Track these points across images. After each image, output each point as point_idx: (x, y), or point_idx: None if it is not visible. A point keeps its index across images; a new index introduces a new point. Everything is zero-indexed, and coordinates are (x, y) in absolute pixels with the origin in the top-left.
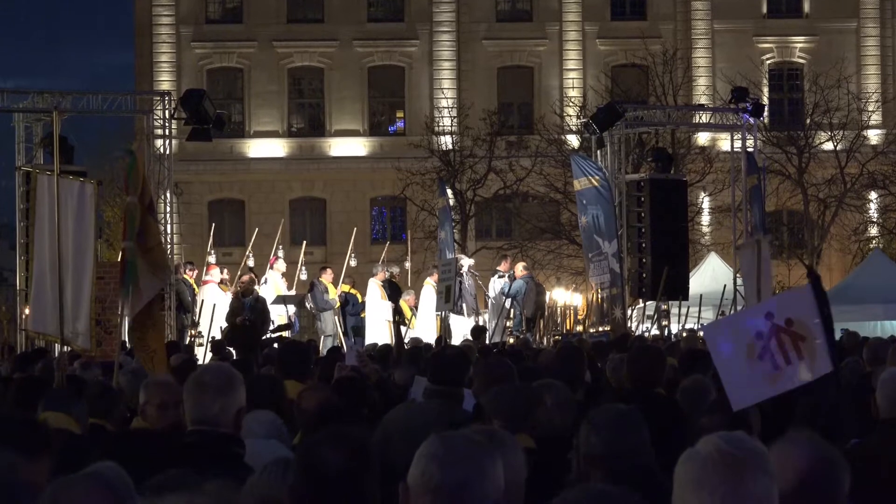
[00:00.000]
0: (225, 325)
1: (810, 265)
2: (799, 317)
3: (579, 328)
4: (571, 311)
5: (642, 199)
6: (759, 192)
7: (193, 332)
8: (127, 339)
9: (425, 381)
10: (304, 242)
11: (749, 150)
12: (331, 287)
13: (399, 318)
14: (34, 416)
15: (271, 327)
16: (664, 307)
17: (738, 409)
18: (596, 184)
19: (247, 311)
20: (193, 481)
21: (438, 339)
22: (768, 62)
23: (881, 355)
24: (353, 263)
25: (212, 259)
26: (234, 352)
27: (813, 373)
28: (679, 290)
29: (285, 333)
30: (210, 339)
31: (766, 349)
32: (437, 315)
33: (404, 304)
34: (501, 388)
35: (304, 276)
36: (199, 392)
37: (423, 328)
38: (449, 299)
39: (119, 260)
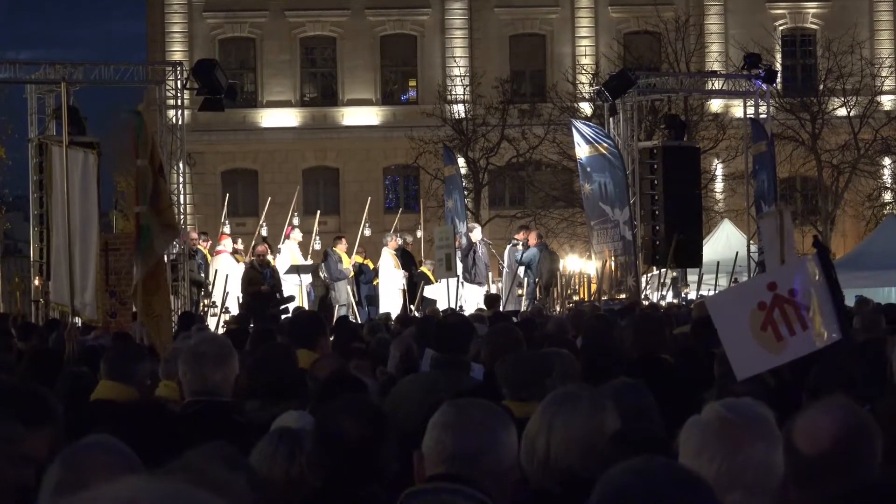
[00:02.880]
0: (240, 294)
1: (816, 235)
2: (803, 287)
3: (595, 296)
4: (585, 280)
5: (655, 166)
6: (769, 159)
7: (206, 302)
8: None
9: (433, 352)
10: (318, 212)
11: (762, 116)
12: (345, 257)
13: (417, 284)
14: (42, 387)
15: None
16: (673, 274)
17: (743, 378)
18: (604, 151)
19: (268, 281)
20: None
21: (444, 310)
22: (781, 28)
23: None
24: (367, 233)
25: (226, 229)
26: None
27: (821, 341)
28: (693, 258)
29: (290, 305)
30: (224, 308)
31: (770, 319)
32: (461, 284)
33: (427, 270)
34: (511, 357)
35: (317, 246)
36: (199, 363)
37: (442, 297)
38: (450, 267)
39: (134, 227)
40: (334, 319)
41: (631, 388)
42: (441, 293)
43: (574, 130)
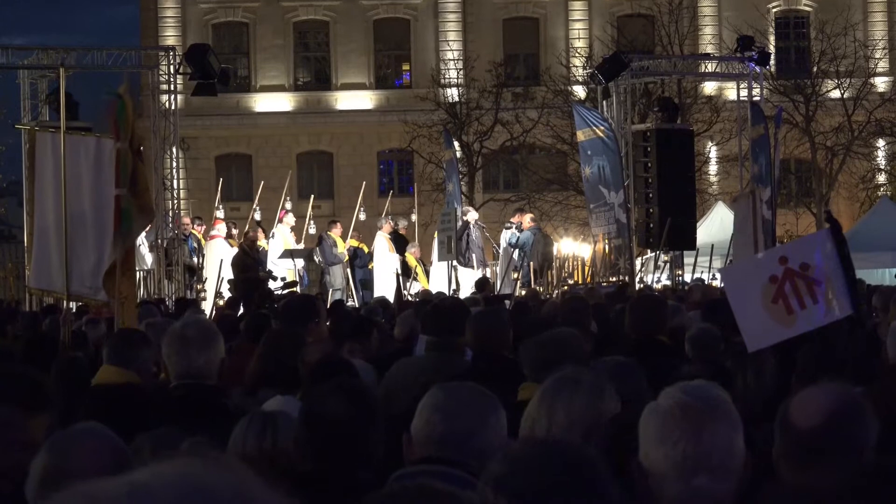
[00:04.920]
0: (231, 279)
1: (829, 210)
2: (815, 261)
3: (589, 279)
4: (579, 263)
5: (649, 149)
6: (767, 142)
7: (199, 286)
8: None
9: (426, 336)
10: (312, 196)
11: (755, 98)
12: (339, 241)
13: (401, 271)
14: (40, 372)
15: (278, 283)
16: (664, 258)
17: (754, 350)
18: (601, 134)
19: (262, 265)
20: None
21: (438, 293)
22: (774, 10)
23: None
24: (361, 217)
25: (220, 214)
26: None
27: (831, 316)
28: (686, 240)
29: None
30: (218, 293)
31: (781, 293)
32: (454, 267)
33: (410, 256)
34: (533, 339)
35: (312, 231)
36: (184, 346)
37: (438, 281)
38: (451, 249)
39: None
40: (328, 304)
41: (623, 368)
42: (440, 279)
43: (575, 114)
